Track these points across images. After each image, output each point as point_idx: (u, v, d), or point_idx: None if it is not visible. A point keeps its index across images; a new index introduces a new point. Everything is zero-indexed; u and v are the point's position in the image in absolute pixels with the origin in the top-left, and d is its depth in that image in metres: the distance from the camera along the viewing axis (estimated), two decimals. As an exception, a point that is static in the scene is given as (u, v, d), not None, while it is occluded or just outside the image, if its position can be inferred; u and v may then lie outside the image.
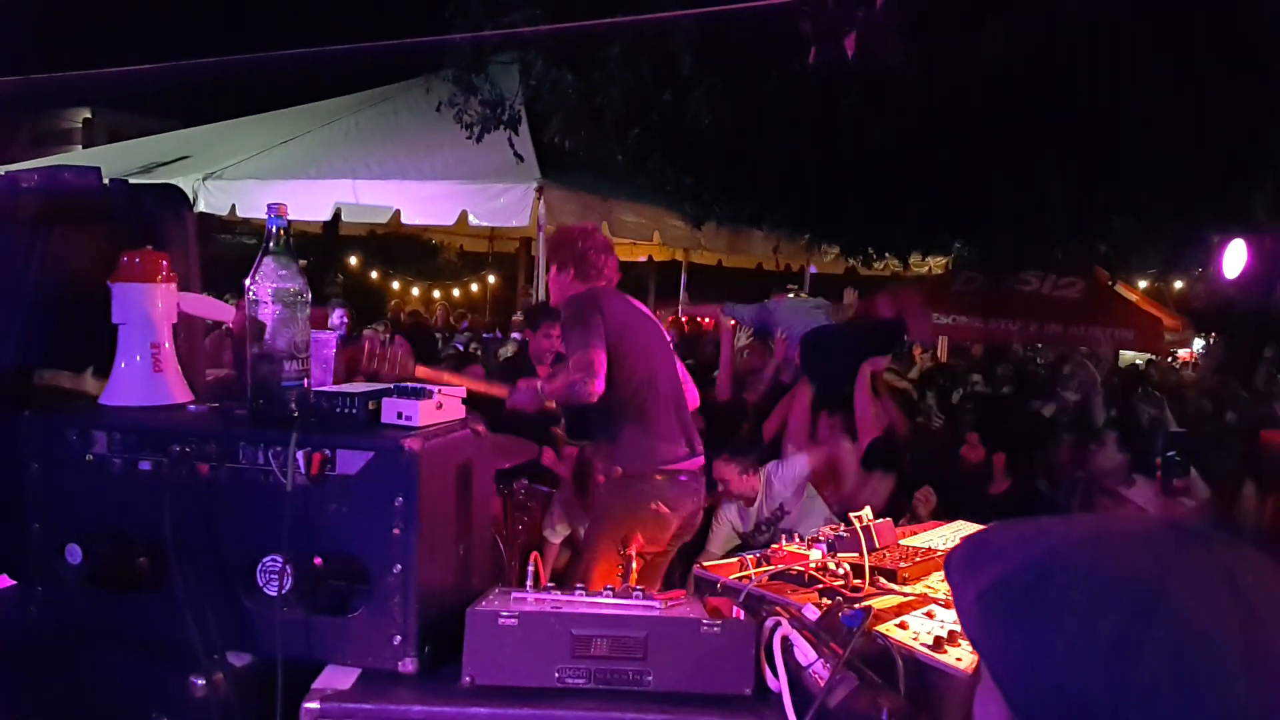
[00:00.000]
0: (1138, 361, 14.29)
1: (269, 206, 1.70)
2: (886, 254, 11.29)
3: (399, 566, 1.59)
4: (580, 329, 3.45)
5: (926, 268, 13.19)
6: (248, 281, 1.67)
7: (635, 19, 6.19)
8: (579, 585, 1.72)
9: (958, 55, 5.99)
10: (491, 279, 22.30)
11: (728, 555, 4.39)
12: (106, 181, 2.15)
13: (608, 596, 1.67)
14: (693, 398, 3.93)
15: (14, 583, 1.89)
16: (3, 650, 1.82)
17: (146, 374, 1.85)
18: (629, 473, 3.51)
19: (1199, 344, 15.77)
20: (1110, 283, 11.17)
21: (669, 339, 3.89)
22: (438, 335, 11.04)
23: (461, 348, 9.68)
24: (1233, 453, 4.78)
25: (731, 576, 2.06)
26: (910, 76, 5.83)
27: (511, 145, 8.09)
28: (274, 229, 1.69)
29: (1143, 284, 15.46)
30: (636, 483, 3.51)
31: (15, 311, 1.87)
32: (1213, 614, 0.70)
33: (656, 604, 1.64)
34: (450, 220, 8.56)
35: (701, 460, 3.71)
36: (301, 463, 1.59)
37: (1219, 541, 0.75)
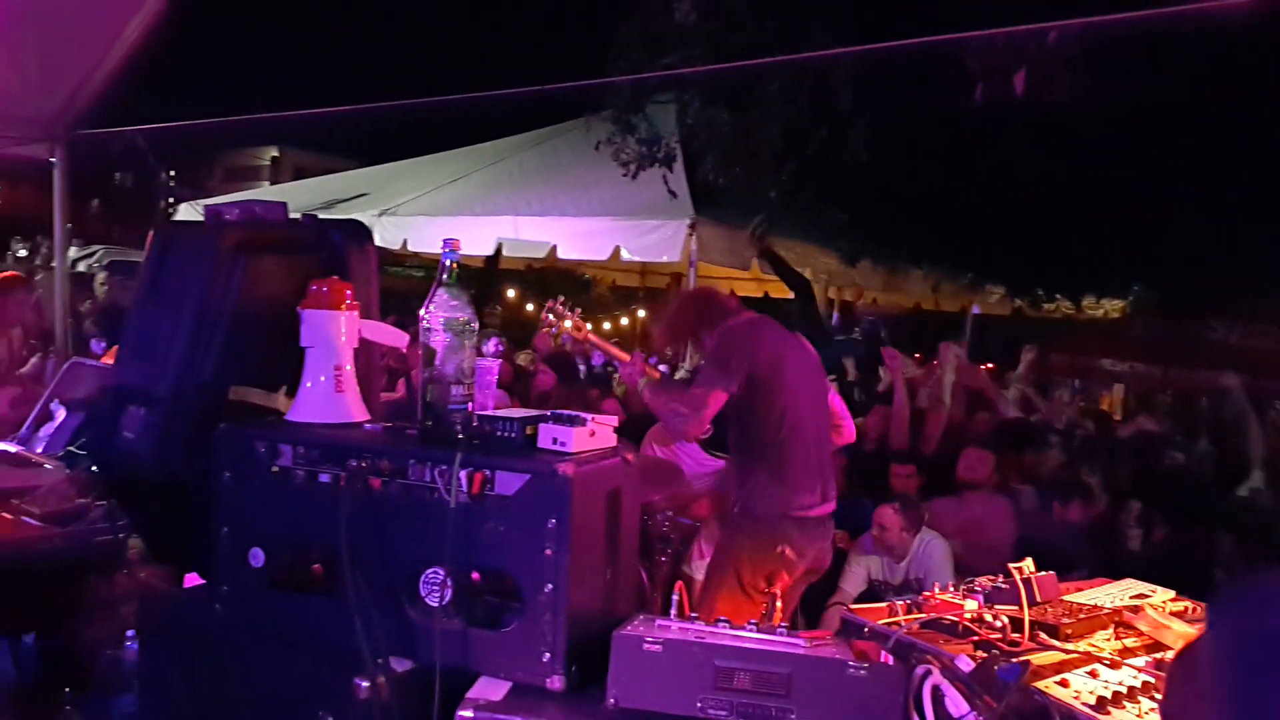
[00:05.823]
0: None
1: (445, 241, 1.82)
2: (1057, 295, 10.77)
3: (550, 586, 1.64)
4: (715, 366, 3.34)
5: (1102, 310, 12.47)
6: (422, 310, 1.78)
7: (793, 57, 6.20)
8: (721, 618, 1.72)
9: (1134, 86, 5.69)
10: (641, 313, 22.62)
11: (860, 599, 4.25)
12: (299, 216, 2.34)
13: (751, 630, 1.67)
14: (849, 432, 3.80)
15: (203, 581, 2.06)
16: (188, 642, 1.98)
17: (329, 394, 1.99)
18: (757, 514, 3.39)
19: None
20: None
21: (824, 374, 3.71)
22: (579, 362, 11.64)
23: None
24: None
25: (880, 622, 2.01)
26: (1082, 110, 5.60)
27: (666, 182, 8.22)
28: (448, 262, 1.80)
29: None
30: (764, 524, 3.37)
31: (215, 332, 2.05)
32: None
33: (801, 642, 1.63)
34: (604, 255, 8.74)
35: (833, 506, 3.54)
36: (464, 482, 1.68)
37: None
